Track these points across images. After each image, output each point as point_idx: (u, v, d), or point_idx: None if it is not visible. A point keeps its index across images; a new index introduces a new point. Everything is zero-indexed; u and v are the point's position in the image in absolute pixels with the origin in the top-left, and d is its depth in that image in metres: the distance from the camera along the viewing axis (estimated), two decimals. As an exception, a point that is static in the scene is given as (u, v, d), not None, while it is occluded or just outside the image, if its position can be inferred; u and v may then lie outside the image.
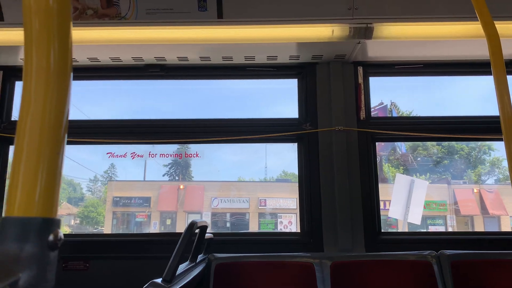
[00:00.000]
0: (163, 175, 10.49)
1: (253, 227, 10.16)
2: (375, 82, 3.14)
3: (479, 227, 10.63)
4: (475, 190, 10.93)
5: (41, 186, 0.50)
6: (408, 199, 6.59)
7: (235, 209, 10.31)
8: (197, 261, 2.26)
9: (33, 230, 0.48)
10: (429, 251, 2.55)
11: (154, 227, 10.17)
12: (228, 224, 10.34)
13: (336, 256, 2.56)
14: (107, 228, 10.06)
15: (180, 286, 1.71)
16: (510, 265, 2.47)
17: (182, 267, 1.94)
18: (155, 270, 1.99)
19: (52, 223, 0.50)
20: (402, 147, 10.57)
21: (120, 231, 10.25)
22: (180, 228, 10.36)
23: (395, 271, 2.50)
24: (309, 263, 2.51)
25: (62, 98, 0.53)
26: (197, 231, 2.18)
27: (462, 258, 2.50)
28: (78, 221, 10.48)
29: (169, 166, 10.20)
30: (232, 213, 10.36)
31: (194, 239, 2.21)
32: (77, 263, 2.72)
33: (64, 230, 10.03)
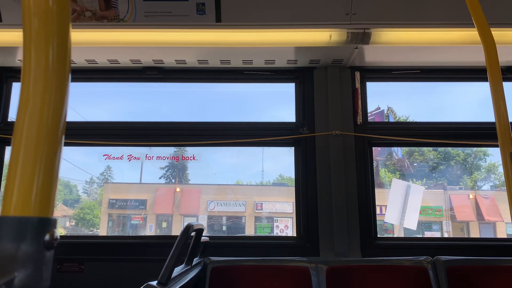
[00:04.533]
0: (160, 178, 10.48)
1: (249, 231, 10.15)
2: (373, 87, 3.15)
3: (474, 233, 10.65)
4: (471, 196, 10.95)
5: (38, 186, 0.50)
6: (405, 204, 6.59)
7: (231, 212, 10.31)
8: (193, 264, 2.25)
9: (29, 230, 0.48)
10: (424, 257, 2.55)
11: (150, 230, 10.14)
12: (224, 228, 10.32)
13: (332, 261, 2.56)
14: (102, 230, 10.02)
15: None
16: (506, 271, 2.48)
17: (177, 270, 1.94)
18: (150, 272, 1.98)
19: (48, 223, 0.50)
20: (399, 152, 10.59)
21: (116, 234, 10.22)
22: (176, 231, 10.34)
23: (391, 276, 2.50)
24: (305, 268, 2.50)
25: (60, 99, 0.53)
26: (193, 234, 2.17)
27: (457, 264, 2.50)
28: (73, 223, 10.43)
29: (166, 168, 10.18)
30: (229, 216, 10.35)
31: (190, 242, 2.20)
32: (72, 265, 2.71)
33: (60, 232, 9.98)
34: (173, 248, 1.73)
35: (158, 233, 10.31)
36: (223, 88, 3.41)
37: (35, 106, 0.52)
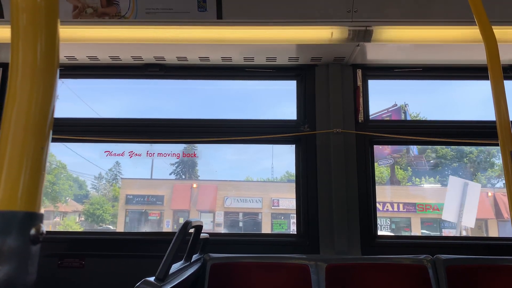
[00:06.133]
0: (170, 174, 10.53)
1: (266, 227, 10.09)
2: (377, 85, 3.13)
3: (493, 231, 10.49)
4: (490, 194, 10.79)
5: (25, 180, 0.50)
6: (462, 203, 6.57)
7: (248, 208, 10.26)
8: (192, 260, 2.25)
9: (15, 224, 0.49)
10: (424, 255, 2.54)
11: (167, 225, 10.13)
12: (241, 224, 10.30)
13: (332, 259, 2.56)
14: (119, 226, 10.00)
15: (173, 285, 1.71)
16: (506, 270, 2.47)
17: (176, 266, 1.94)
18: (150, 268, 1.99)
19: (34, 218, 0.50)
20: (414, 149, 10.51)
21: (134, 230, 10.20)
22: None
23: (390, 274, 2.49)
24: (304, 265, 2.50)
25: (47, 94, 0.54)
26: (192, 230, 2.18)
27: (457, 263, 2.49)
28: (83, 218, 10.42)
29: (176, 165, 10.24)
30: (245, 212, 10.31)
31: (189, 239, 2.21)
32: (72, 261, 2.72)
33: (61, 227, 10.03)
34: (171, 244, 1.73)
35: (175, 228, 10.30)
36: (224, 85, 3.41)
37: (23, 101, 0.52)
